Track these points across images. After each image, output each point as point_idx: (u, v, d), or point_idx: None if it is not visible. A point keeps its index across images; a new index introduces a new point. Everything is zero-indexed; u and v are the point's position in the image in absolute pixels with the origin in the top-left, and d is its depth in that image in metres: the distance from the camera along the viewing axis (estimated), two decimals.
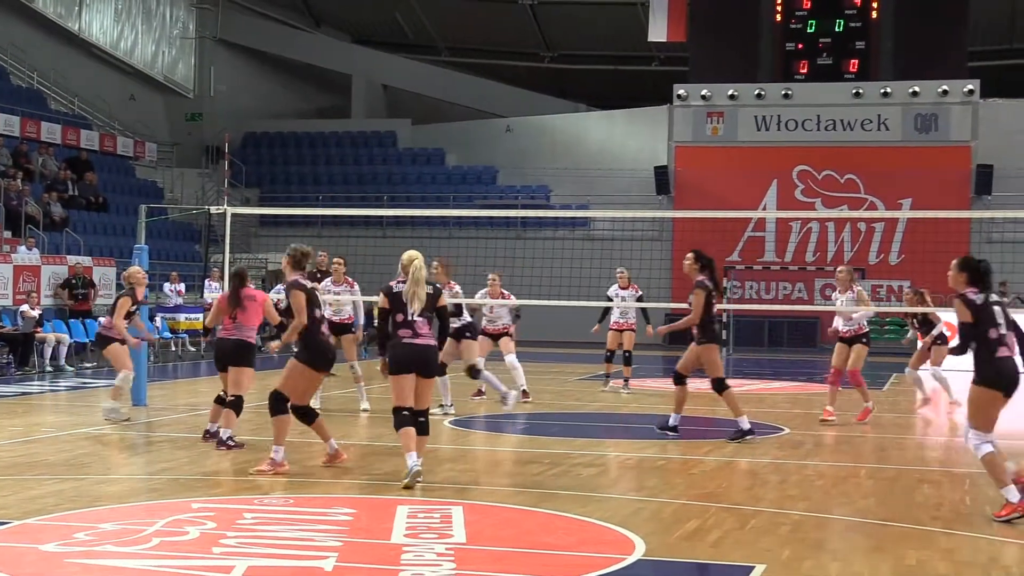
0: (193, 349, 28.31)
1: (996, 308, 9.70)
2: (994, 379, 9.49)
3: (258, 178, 42.78)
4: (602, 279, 24.05)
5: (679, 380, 14.34)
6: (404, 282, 10.63)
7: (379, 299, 10.70)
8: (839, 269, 17.02)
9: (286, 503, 9.57)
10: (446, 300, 10.98)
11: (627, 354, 20.06)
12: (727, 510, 9.71)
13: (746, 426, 14.05)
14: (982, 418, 9.54)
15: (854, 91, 37.89)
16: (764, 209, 37.16)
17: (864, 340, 16.60)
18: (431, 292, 10.62)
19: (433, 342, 10.60)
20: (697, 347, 14.08)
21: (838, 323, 16.73)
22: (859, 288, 16.89)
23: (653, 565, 7.89)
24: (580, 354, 28.05)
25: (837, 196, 37.59)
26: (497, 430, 15.38)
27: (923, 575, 7.74)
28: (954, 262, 10.04)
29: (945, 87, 37.40)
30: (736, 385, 20.05)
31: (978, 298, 9.70)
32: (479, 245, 31.42)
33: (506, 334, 18.23)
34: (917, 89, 37.51)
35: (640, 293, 20.15)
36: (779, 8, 38.76)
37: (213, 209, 20.71)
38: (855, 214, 36.63)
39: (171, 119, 44.50)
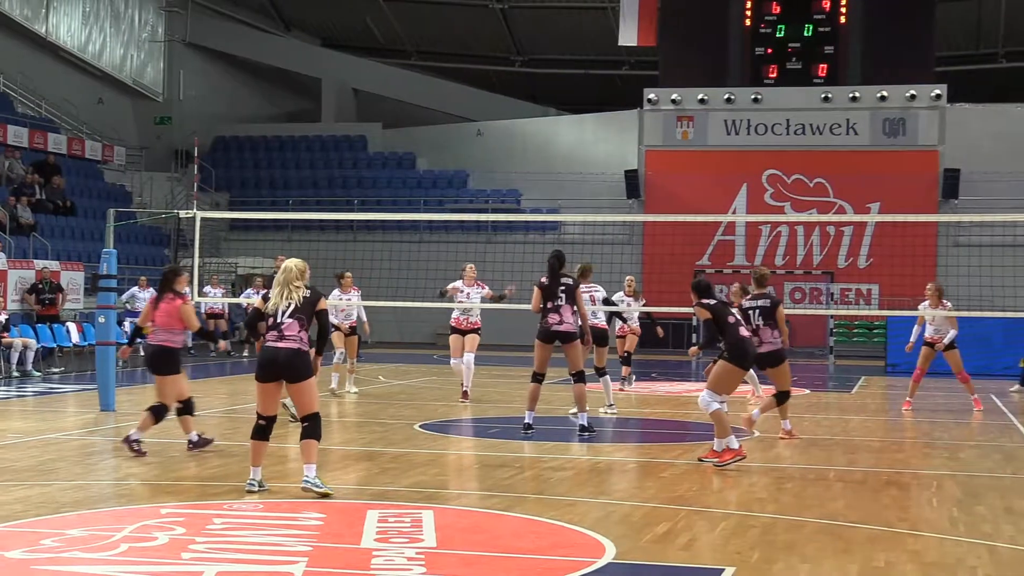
0: None
1: (726, 306, 12.65)
2: (736, 357, 12.30)
3: (228, 182, 42.65)
4: None
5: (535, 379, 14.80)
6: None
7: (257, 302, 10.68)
8: (928, 286, 18.82)
9: (256, 508, 9.53)
10: (326, 304, 10.57)
11: (627, 355, 21.04)
12: (697, 513, 9.73)
13: (584, 422, 14.64)
14: (722, 385, 12.33)
15: (823, 95, 38.07)
16: (734, 213, 37.26)
17: (954, 344, 18.75)
18: (307, 296, 10.29)
19: (298, 345, 10.12)
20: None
21: (929, 331, 18.86)
22: (949, 304, 18.89)
23: (623, 568, 7.90)
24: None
25: (806, 200, 37.75)
26: (467, 434, 15.37)
27: None
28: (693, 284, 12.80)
29: (913, 92, 37.63)
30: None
31: (709, 301, 12.53)
32: (449, 249, 31.43)
33: (475, 331, 18.67)
34: (885, 94, 37.72)
35: (644, 301, 21.64)
36: (748, 13, 38.90)
37: (182, 213, 20.68)
38: (824, 218, 36.79)
39: (140, 123, 44.30)
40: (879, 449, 14.31)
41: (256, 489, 10.12)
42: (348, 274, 19.55)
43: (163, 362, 12.76)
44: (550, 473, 11.78)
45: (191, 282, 22.70)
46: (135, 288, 28.53)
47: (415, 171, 42.96)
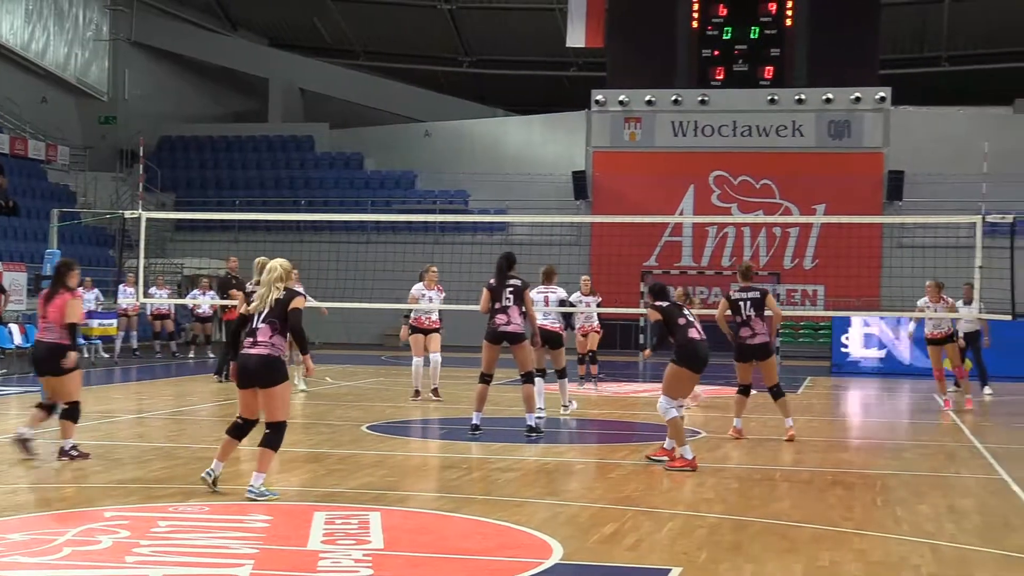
0: (107, 355, 27.96)
1: (679, 308, 12.68)
2: (686, 360, 12.38)
3: (174, 182, 42.34)
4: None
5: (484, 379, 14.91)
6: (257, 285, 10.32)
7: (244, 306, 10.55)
8: (928, 283, 19.06)
9: (201, 511, 9.46)
10: (300, 304, 10.19)
11: (592, 354, 21.34)
12: (644, 513, 9.76)
13: (531, 423, 14.69)
14: (675, 389, 12.32)
15: (769, 97, 38.32)
16: (681, 214, 37.42)
17: (953, 338, 19.23)
18: (280, 297, 10.09)
19: (268, 351, 9.93)
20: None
21: (928, 327, 19.23)
22: (951, 300, 19.08)
23: (571, 569, 7.90)
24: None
25: (753, 201, 37.99)
26: (415, 436, 15.34)
27: None
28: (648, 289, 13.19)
29: (858, 94, 37.97)
30: (655, 388, 20.22)
31: (661, 304, 12.62)
32: (397, 250, 31.37)
33: (436, 330, 19.06)
34: (830, 96, 38.02)
35: (600, 299, 21.57)
36: (696, 15, 39.09)
37: (127, 214, 20.49)
38: (771, 219, 37.03)
39: (84, 122, 43.91)
40: (824, 449, 14.41)
41: (210, 480, 10.04)
42: (433, 268, 19.11)
43: (57, 361, 11.95)
44: (498, 474, 11.77)
45: (136, 283, 22.56)
46: (79, 289, 28.25)
47: (363, 172, 42.85)
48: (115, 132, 43.52)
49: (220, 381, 21.86)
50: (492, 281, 14.78)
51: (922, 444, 15.15)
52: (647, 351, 13.78)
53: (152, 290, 29.99)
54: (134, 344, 29.45)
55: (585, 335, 21.35)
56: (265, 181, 42.64)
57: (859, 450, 14.53)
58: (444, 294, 19.18)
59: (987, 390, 22.00)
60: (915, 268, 26.12)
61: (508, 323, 14.55)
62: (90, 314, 27.78)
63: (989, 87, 44.20)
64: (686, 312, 12.69)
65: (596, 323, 21.26)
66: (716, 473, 12.04)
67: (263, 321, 10.05)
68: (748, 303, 14.61)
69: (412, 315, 19.03)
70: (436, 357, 18.96)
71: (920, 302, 19.18)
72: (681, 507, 10.15)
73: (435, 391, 18.96)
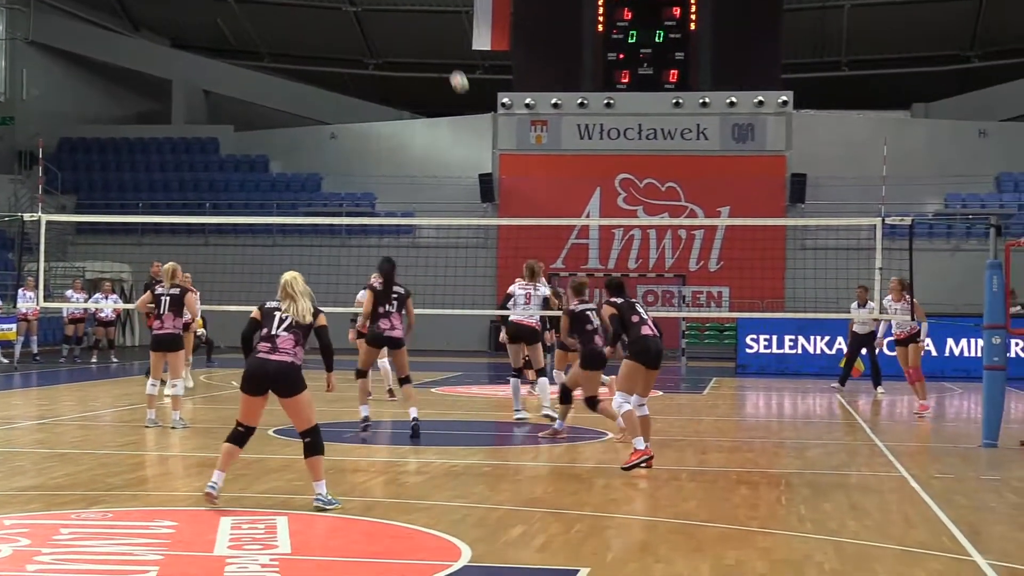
0: (6, 360, 27.45)
1: (634, 305, 12.81)
2: (638, 355, 12.43)
3: (75, 184, 41.65)
4: (427, 287, 24.04)
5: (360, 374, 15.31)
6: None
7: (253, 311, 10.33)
8: (891, 280, 18.93)
9: (104, 517, 9.33)
10: (324, 320, 10.31)
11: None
12: (552, 515, 9.80)
13: (365, 412, 15.13)
14: (628, 384, 12.43)
15: (674, 101, 38.65)
16: (587, 216, 37.60)
17: (917, 339, 19.02)
18: (310, 310, 10.13)
19: (291, 359, 9.92)
20: None
21: (890, 327, 19.24)
22: (912, 299, 18.55)
23: (480, 571, 7.91)
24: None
25: (658, 204, 38.28)
26: (324, 439, 15.23)
27: (741, 574, 7.94)
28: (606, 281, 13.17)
29: (760, 98, 38.44)
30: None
31: (616, 299, 12.78)
32: (303, 253, 31.09)
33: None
34: (734, 100, 38.46)
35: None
36: (601, 18, 39.32)
37: (27, 216, 20.13)
38: (675, 222, 37.33)
39: None
40: (730, 449, 14.57)
41: (215, 492, 9.78)
42: (540, 263, 18.22)
43: None
44: (405, 477, 11.76)
45: (36, 287, 22.13)
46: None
47: (268, 174, 42.52)
48: (13, 133, 42.68)
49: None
50: (377, 285, 15.16)
51: (824, 444, 15.38)
52: (608, 349, 13.40)
53: (69, 293, 29.51)
54: (34, 349, 28.95)
55: None
56: (169, 183, 42.11)
57: (763, 450, 14.71)
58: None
59: (880, 390, 22.40)
60: (818, 269, 26.52)
61: (391, 328, 15.00)
62: (5, 319, 27.30)
63: (887, 91, 45.06)
64: (639, 309, 12.74)
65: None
66: (623, 474, 12.11)
67: (286, 330, 9.99)
68: (594, 312, 14.84)
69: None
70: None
71: (884, 301, 19.27)
72: (589, 508, 10.20)
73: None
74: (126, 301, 33.07)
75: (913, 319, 18.82)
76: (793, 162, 38.27)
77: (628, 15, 39.21)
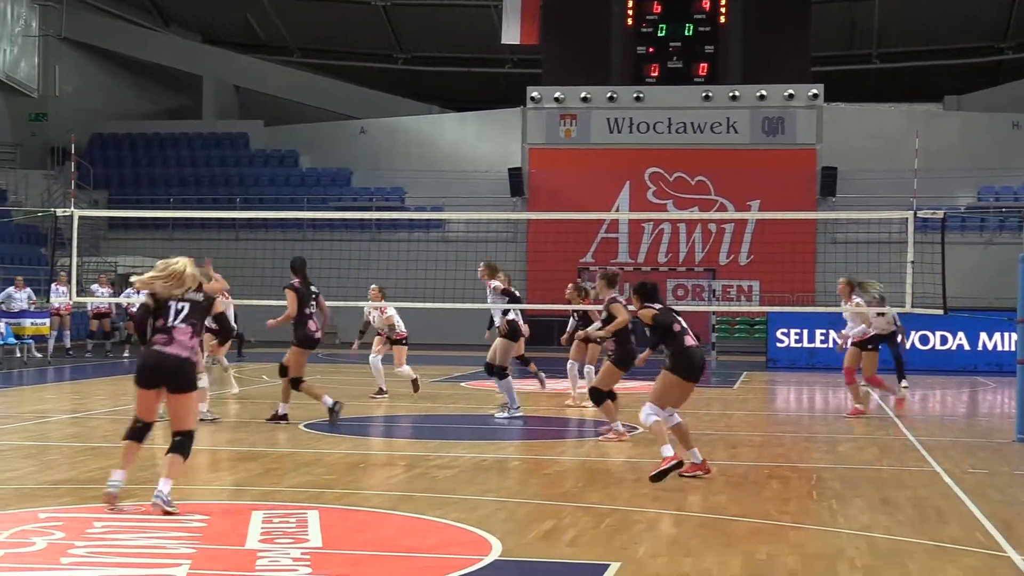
0: (39, 355, 27.62)
1: (671, 311, 11.88)
2: (682, 369, 11.49)
3: (107, 180, 41.89)
4: (457, 281, 24.07)
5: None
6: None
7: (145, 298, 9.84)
8: (841, 280, 17.89)
9: (137, 511, 9.36)
10: (223, 307, 10.23)
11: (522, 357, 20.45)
12: (583, 509, 9.79)
13: (282, 411, 15.51)
14: (665, 399, 11.57)
15: (703, 94, 38.56)
16: (617, 211, 37.57)
17: (871, 346, 17.83)
18: (201, 300, 9.79)
19: (188, 354, 9.54)
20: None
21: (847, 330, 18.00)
22: (859, 300, 17.74)
23: (510, 565, 7.91)
24: (434, 356, 28.01)
25: (688, 198, 38.20)
26: (353, 433, 15.28)
27: (773, 569, 7.91)
28: (632, 288, 12.07)
29: (791, 91, 38.29)
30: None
31: (654, 306, 11.80)
32: (333, 247, 31.20)
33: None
34: (764, 93, 38.32)
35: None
36: (630, 12, 39.25)
37: (59, 212, 20.23)
38: (705, 215, 37.26)
39: (14, 119, 43.28)
40: (760, 443, 14.53)
41: (116, 491, 9.43)
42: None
43: None
44: (436, 471, 11.76)
45: (69, 282, 22.27)
46: (11, 288, 27.87)
47: (298, 169, 42.63)
48: (46, 129, 42.96)
49: None
50: (298, 284, 15.39)
51: (856, 438, 15.31)
52: (645, 353, 12.52)
53: (94, 287, 29.66)
54: (67, 344, 29.13)
55: None
56: (199, 178, 42.28)
57: (794, 444, 14.66)
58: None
59: (904, 384, 22.34)
60: (848, 264, 26.38)
61: (317, 330, 15.40)
62: (22, 313, 27.45)
63: (919, 84, 44.80)
64: (679, 317, 11.77)
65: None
66: (653, 469, 12.07)
67: (183, 321, 9.62)
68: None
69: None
70: (373, 362, 19.27)
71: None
72: (619, 502, 10.18)
73: (380, 390, 19.20)
74: None
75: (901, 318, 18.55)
76: (824, 155, 38.11)
77: (657, 8, 39.14)
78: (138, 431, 9.62)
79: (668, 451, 11.18)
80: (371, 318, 19.54)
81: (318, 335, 15.34)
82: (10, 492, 10.21)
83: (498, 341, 16.48)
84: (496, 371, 16.39)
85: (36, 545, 8.12)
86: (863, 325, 17.74)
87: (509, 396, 16.41)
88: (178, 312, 9.62)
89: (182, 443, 9.48)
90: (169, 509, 9.15)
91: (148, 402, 9.61)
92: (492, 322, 18.05)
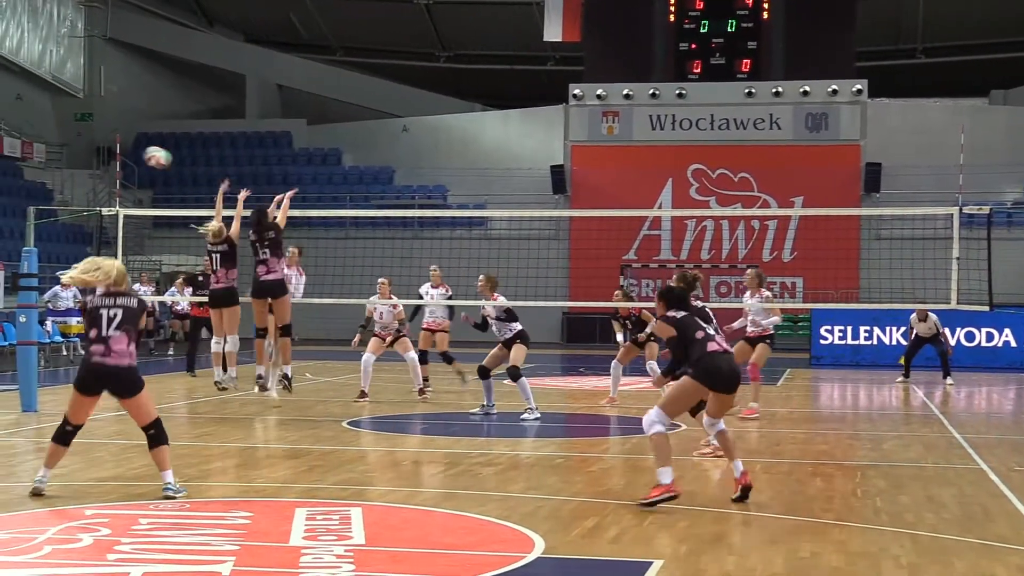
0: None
1: (698, 318, 10.43)
2: (705, 377, 10.05)
3: (151, 179, 42.18)
4: (499, 278, 24.04)
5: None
6: (106, 294, 9.87)
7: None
8: (747, 271, 17.07)
9: (182, 508, 9.44)
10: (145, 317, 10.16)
11: (444, 354, 18.91)
12: (625, 507, 9.77)
13: (259, 371, 16.23)
14: (676, 405, 10.24)
15: (746, 91, 38.40)
16: (659, 207, 37.49)
17: (768, 340, 16.72)
18: (135, 305, 9.90)
19: (128, 361, 9.77)
20: None
21: (743, 323, 16.83)
22: (768, 293, 17.07)
23: (552, 563, 7.92)
24: (477, 354, 28.04)
25: (731, 194, 38.06)
26: (395, 431, 15.33)
27: (816, 567, 7.87)
28: (659, 292, 10.75)
29: (834, 87, 38.07)
30: (633, 382, 20.27)
31: (677, 314, 10.38)
32: (376, 245, 31.32)
33: (444, 331, 18.76)
34: (807, 89, 38.13)
35: (450, 292, 19.10)
36: (672, 8, 39.14)
37: (105, 211, 20.39)
38: (749, 212, 37.10)
39: (60, 119, 43.70)
40: (804, 441, 14.46)
41: (43, 488, 9.80)
42: (434, 268, 18.77)
43: None
44: (478, 469, 11.78)
45: None
46: (57, 287, 28.15)
47: (340, 167, 42.78)
48: (91, 129, 43.34)
49: (194, 376, 22.09)
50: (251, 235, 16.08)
51: (900, 436, 15.21)
52: (659, 378, 11.73)
53: (137, 286, 29.87)
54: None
55: (432, 331, 18.92)
56: (243, 177, 42.26)
57: (838, 441, 14.58)
58: (449, 290, 18.74)
59: (949, 380, 22.35)
60: (893, 260, 26.24)
61: (268, 272, 15.75)
62: (69, 312, 27.70)
63: (964, 79, 44.41)
64: (703, 323, 10.39)
65: (444, 319, 18.91)
66: (696, 466, 12.06)
67: (117, 328, 9.75)
68: None
69: (427, 317, 18.79)
70: (412, 356, 18.26)
71: (744, 297, 17.63)
72: None
73: (421, 391, 18.35)
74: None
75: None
76: (868, 151, 37.87)
77: (700, 5, 39.02)
78: (67, 434, 10.04)
79: (666, 476, 9.75)
80: (379, 314, 18.30)
81: (265, 278, 15.83)
82: (57, 489, 10.30)
83: (516, 346, 16.30)
84: (512, 373, 16.07)
85: (83, 541, 8.20)
86: (775, 317, 16.83)
87: (524, 395, 16.17)
88: (111, 320, 9.79)
89: (157, 435, 9.92)
90: (180, 495, 9.74)
91: (84, 407, 10.06)
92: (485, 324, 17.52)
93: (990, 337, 28.51)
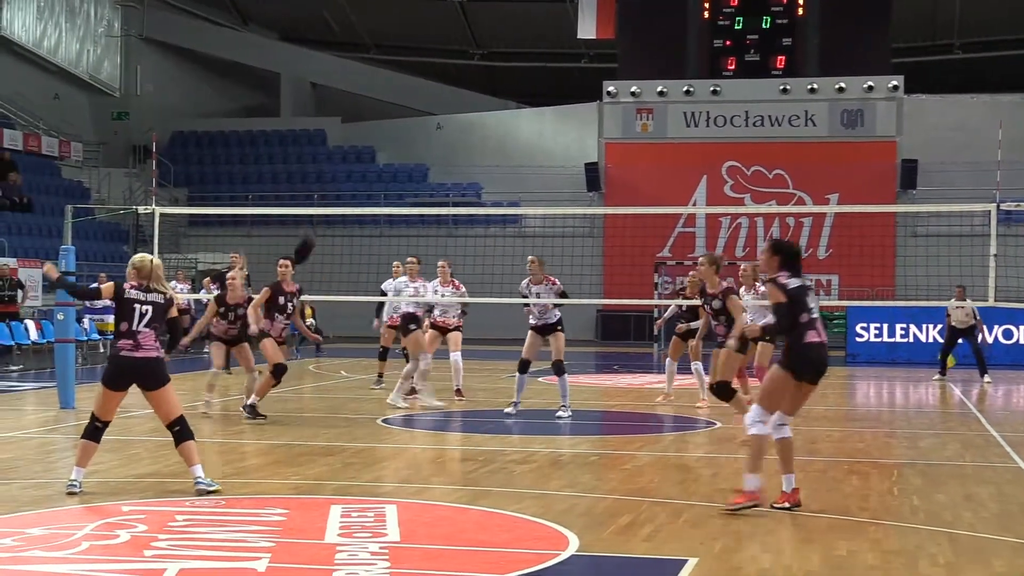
0: None
1: (808, 294, 9.62)
2: (797, 365, 9.47)
3: (187, 177, 42.44)
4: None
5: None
6: (138, 287, 9.98)
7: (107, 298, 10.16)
8: (742, 266, 16.57)
9: (218, 504, 9.49)
10: (176, 312, 10.24)
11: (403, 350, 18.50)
12: (660, 504, 9.76)
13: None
14: (773, 399, 9.54)
15: (781, 87, 38.26)
16: (694, 205, 37.41)
17: (770, 338, 15.84)
18: (162, 301, 10.04)
19: (156, 354, 9.99)
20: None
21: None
22: (764, 289, 16.58)
23: (587, 560, 7.91)
24: (511, 351, 28.02)
25: (766, 191, 37.93)
26: (430, 428, 15.35)
27: (852, 565, 7.83)
28: (766, 245, 9.80)
29: (870, 83, 37.88)
30: (688, 379, 20.22)
31: (790, 282, 9.52)
32: (410, 243, 31.33)
33: (457, 329, 18.13)
34: (843, 85, 37.95)
35: (463, 289, 18.53)
36: (707, 5, 39.04)
37: (141, 209, 20.51)
38: (784, 209, 36.97)
39: (97, 118, 44.01)
40: (840, 439, 14.39)
41: (77, 490, 9.85)
42: (442, 263, 18.01)
43: None
44: (513, 466, 11.78)
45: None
46: (94, 285, 28.38)
47: (375, 165, 42.88)
48: (128, 128, 43.61)
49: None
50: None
51: (938, 434, 15.12)
52: (731, 341, 11.57)
53: (173, 283, 30.03)
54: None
55: (395, 327, 18.87)
56: (277, 175, 42.68)
57: (874, 440, 14.51)
58: (463, 288, 18.38)
59: (986, 378, 22.22)
60: (929, 257, 26.07)
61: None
62: (106, 310, 27.86)
63: (1001, 74, 44.06)
64: (811, 304, 9.62)
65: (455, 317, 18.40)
66: (730, 463, 12.02)
67: (147, 325, 9.93)
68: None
69: (435, 314, 18.29)
70: (455, 357, 17.95)
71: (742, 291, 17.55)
72: (696, 497, 10.14)
73: (458, 391, 18.10)
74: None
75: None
76: (904, 148, 37.66)
77: (734, 2, 38.91)
78: (97, 431, 10.10)
79: (753, 483, 9.33)
80: (439, 295, 17.67)
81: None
82: (95, 485, 10.37)
83: (558, 335, 16.23)
84: (557, 368, 15.98)
85: (120, 538, 8.25)
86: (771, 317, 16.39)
87: (563, 391, 16.06)
88: (142, 316, 9.94)
89: (182, 431, 10.06)
90: (212, 488, 9.83)
91: (113, 403, 10.13)
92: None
93: None
